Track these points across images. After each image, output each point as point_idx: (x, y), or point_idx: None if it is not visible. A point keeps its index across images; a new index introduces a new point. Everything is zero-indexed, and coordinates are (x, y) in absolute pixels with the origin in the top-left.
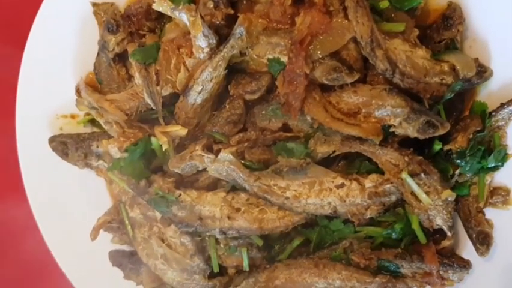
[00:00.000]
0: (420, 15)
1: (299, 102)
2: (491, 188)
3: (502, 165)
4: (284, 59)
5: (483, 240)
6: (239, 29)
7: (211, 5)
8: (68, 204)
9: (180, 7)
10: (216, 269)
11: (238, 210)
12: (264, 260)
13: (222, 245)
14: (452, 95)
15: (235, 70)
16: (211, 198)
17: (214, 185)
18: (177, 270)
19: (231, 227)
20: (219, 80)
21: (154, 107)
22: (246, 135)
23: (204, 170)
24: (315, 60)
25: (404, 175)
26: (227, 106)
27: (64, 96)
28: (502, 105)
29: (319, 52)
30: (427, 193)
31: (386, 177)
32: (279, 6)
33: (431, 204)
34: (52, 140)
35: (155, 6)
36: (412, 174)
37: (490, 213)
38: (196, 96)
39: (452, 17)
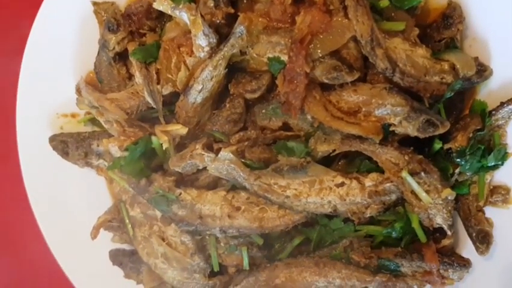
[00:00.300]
0: (420, 14)
1: (299, 101)
2: (491, 187)
3: (502, 164)
4: (284, 58)
5: (483, 239)
6: (239, 28)
7: (212, 4)
8: (68, 203)
9: (180, 6)
10: (216, 268)
11: (238, 209)
12: (265, 258)
13: (222, 244)
14: (452, 94)
15: (235, 69)
16: (211, 197)
17: (214, 184)
18: (177, 269)
19: (231, 225)
20: (219, 79)
21: (154, 106)
22: (246, 134)
23: (204, 168)
24: (315, 59)
25: (404, 174)
26: (227, 105)
27: (65, 95)
28: (502, 104)
29: (319, 51)
30: (427, 192)
31: (386, 176)
32: (279, 5)
33: (431, 203)
34: (52, 139)
35: (155, 5)
36: (412, 173)
37: (490, 212)
38: (197, 95)
39: (452, 16)
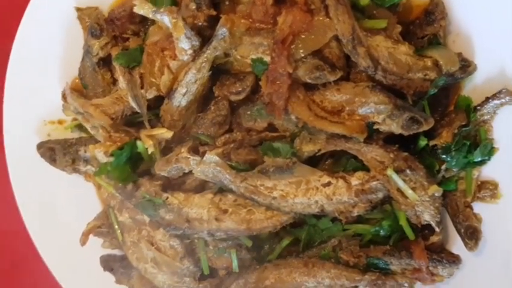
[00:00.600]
0: (402, 11)
1: (283, 102)
2: (479, 182)
3: (489, 159)
4: (267, 58)
5: (471, 235)
6: (221, 30)
7: (194, 7)
8: (58, 209)
9: (161, 10)
10: (206, 271)
11: (225, 211)
12: (254, 260)
13: (211, 247)
14: (436, 90)
15: (219, 71)
16: (198, 200)
17: (201, 187)
18: (167, 273)
19: (219, 228)
20: (203, 81)
21: (139, 111)
22: (231, 136)
23: (191, 172)
24: (297, 59)
25: (390, 172)
26: (212, 107)
27: (51, 102)
28: (487, 99)
29: (301, 51)
30: (413, 189)
31: (372, 175)
32: (261, 6)
33: (418, 200)
34: (40, 146)
35: (136, 10)
36: (398, 171)
37: (478, 207)
38: (181, 98)
39: (434, 13)
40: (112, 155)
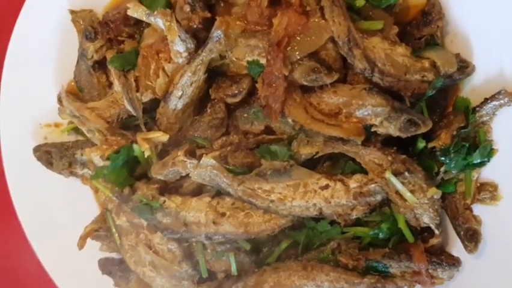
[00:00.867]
0: (399, 12)
1: (279, 105)
2: (479, 184)
3: (489, 161)
4: (263, 61)
5: (471, 238)
6: (216, 33)
7: (188, 9)
8: (55, 213)
9: (155, 12)
10: (204, 274)
11: (223, 215)
12: (253, 263)
13: (209, 250)
14: (434, 92)
15: (215, 73)
16: (195, 203)
17: (199, 190)
18: (165, 276)
19: (217, 232)
20: (199, 84)
21: (134, 114)
22: (228, 139)
23: (188, 175)
24: (293, 61)
25: (388, 174)
26: (208, 110)
27: (47, 105)
28: (486, 100)
29: (297, 53)
30: (412, 192)
31: (370, 177)
32: (256, 8)
33: (417, 202)
34: (36, 150)
35: (130, 12)
36: (396, 173)
37: (478, 209)
38: (177, 101)
39: (431, 13)
40: (108, 158)
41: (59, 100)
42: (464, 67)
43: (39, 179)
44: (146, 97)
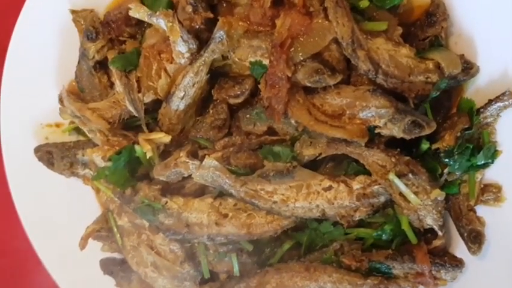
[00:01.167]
0: (403, 13)
1: (282, 106)
2: (482, 185)
3: (492, 162)
4: (266, 62)
5: (475, 239)
6: (219, 33)
7: (190, 9)
8: (57, 213)
9: (157, 13)
10: (206, 275)
11: (225, 216)
12: (255, 264)
13: (211, 251)
14: (438, 93)
15: (218, 74)
16: (198, 204)
17: (201, 191)
18: (167, 277)
19: (219, 233)
20: (201, 85)
21: (136, 115)
22: (231, 139)
23: (190, 176)
24: (296, 62)
25: (391, 176)
26: (211, 111)
27: (48, 105)
28: (490, 102)
29: (300, 54)
30: (416, 193)
31: (374, 179)
32: (258, 9)
33: (420, 204)
34: (37, 150)
35: (131, 13)
36: (399, 175)
37: (481, 210)
38: (179, 102)
39: (435, 14)
40: (110, 159)
41: (60, 100)
42: (469, 68)
43: (40, 179)
44: (148, 98)
